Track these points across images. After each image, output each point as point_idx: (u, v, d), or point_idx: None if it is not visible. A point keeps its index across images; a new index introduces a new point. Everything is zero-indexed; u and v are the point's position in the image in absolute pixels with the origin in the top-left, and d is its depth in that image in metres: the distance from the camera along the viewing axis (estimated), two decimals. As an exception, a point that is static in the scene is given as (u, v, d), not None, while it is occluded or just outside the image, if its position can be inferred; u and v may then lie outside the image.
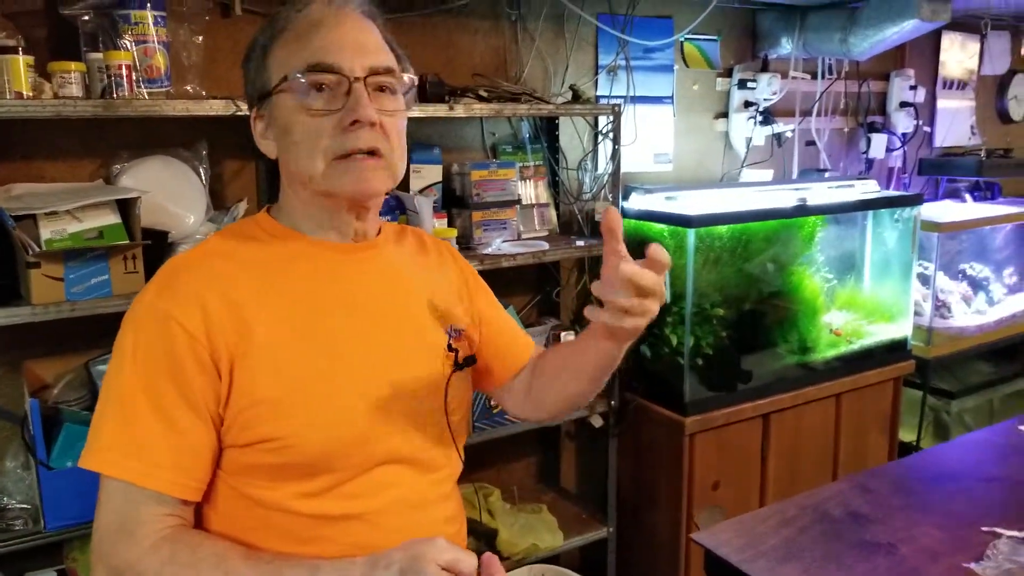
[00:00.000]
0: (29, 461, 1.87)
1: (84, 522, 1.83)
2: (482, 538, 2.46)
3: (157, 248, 1.93)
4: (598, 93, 2.87)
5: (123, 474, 1.04)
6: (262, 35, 1.17)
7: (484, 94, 2.34)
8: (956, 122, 4.02)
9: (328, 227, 1.19)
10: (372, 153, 1.12)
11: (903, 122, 3.66)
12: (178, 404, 1.05)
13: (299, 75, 1.09)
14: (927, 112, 3.90)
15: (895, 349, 3.16)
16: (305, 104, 1.10)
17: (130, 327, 1.10)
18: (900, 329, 3.19)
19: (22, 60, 1.69)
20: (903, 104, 3.64)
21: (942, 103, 3.95)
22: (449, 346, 1.26)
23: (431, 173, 2.40)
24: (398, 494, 1.16)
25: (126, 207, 1.83)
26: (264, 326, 1.10)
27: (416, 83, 1.22)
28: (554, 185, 2.76)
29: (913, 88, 3.64)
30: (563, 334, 2.62)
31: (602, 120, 2.75)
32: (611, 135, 2.59)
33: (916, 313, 3.30)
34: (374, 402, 1.14)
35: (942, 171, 3.86)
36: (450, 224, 2.39)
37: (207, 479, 1.10)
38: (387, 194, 1.47)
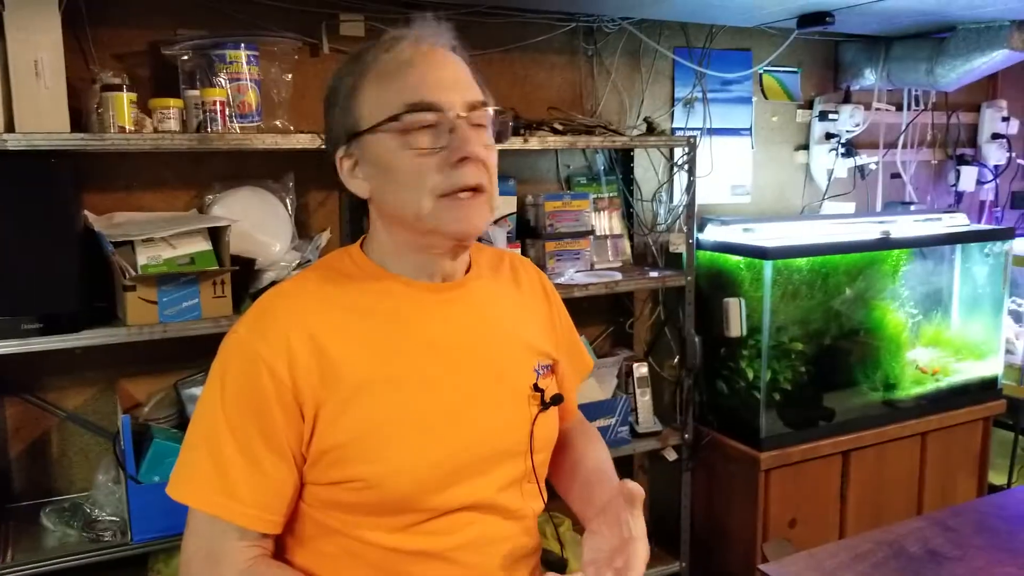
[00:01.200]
0: (120, 475, 1.97)
1: (169, 535, 1.91)
2: (552, 567, 2.45)
3: (244, 274, 2.02)
4: (674, 125, 2.88)
5: (210, 508, 1.08)
6: (347, 75, 1.15)
7: (558, 127, 2.38)
8: (1052, 154, 3.86)
9: (419, 267, 1.17)
10: (476, 189, 1.11)
11: (995, 154, 3.54)
12: (261, 444, 1.08)
13: (401, 114, 1.08)
14: (1021, 144, 3.76)
15: (985, 388, 3.04)
16: (409, 143, 1.09)
17: (222, 361, 1.12)
18: (990, 367, 3.07)
19: (126, 97, 1.82)
20: (995, 136, 3.53)
21: (1037, 134, 3.81)
22: (535, 386, 1.23)
23: (506, 204, 2.45)
24: (478, 531, 1.15)
25: (217, 235, 1.93)
26: (351, 367, 1.09)
27: (509, 117, 1.23)
28: (628, 216, 2.78)
29: (1006, 119, 3.52)
30: (635, 365, 2.61)
31: (677, 152, 2.76)
32: (686, 167, 2.59)
33: (1008, 351, 3.17)
34: (459, 446, 1.13)
35: (1037, 205, 3.71)
36: (524, 254, 2.43)
37: (288, 513, 1.12)
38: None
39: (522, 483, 1.22)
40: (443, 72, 1.12)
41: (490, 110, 1.15)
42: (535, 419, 1.21)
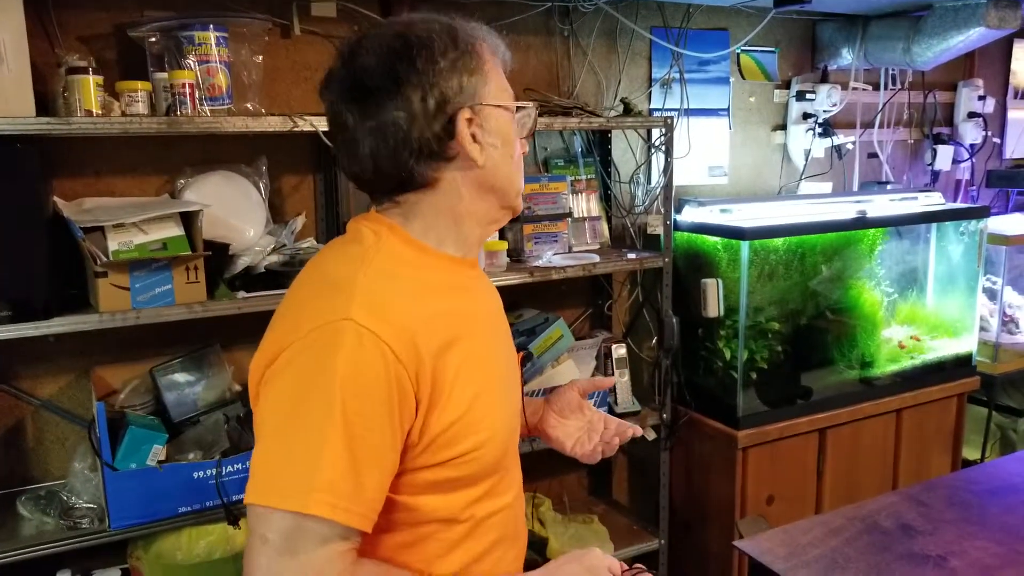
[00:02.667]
0: (96, 463, 1.96)
1: (147, 522, 1.91)
2: (532, 547, 2.47)
3: (218, 259, 2.00)
4: (651, 106, 2.88)
5: (329, 512, 0.98)
6: (466, 40, 1.14)
7: (535, 108, 2.36)
8: (1028, 133, 3.89)
9: (468, 243, 1.21)
10: None
11: (971, 133, 3.56)
12: (385, 436, 1.03)
13: (526, 110, 1.22)
14: (997, 123, 3.79)
15: (959, 365, 3.08)
16: (522, 132, 1.22)
17: (331, 349, 1.01)
18: (965, 344, 3.10)
19: (92, 80, 1.78)
20: (971, 115, 3.55)
21: (1013, 114, 3.84)
22: (521, 346, 1.40)
23: (483, 186, 2.43)
24: (517, 486, 1.29)
25: (189, 220, 1.91)
26: (453, 346, 1.10)
27: None
28: (606, 198, 2.77)
29: (982, 98, 3.54)
30: (614, 346, 2.62)
31: (655, 133, 2.75)
32: (664, 148, 2.59)
33: (982, 328, 3.21)
34: (513, 410, 1.26)
35: (1012, 183, 3.74)
36: (501, 237, 2.42)
37: None
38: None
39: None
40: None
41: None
42: (522, 386, 1.39)
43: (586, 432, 1.44)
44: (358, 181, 1.18)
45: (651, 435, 2.71)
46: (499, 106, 1.16)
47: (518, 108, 1.20)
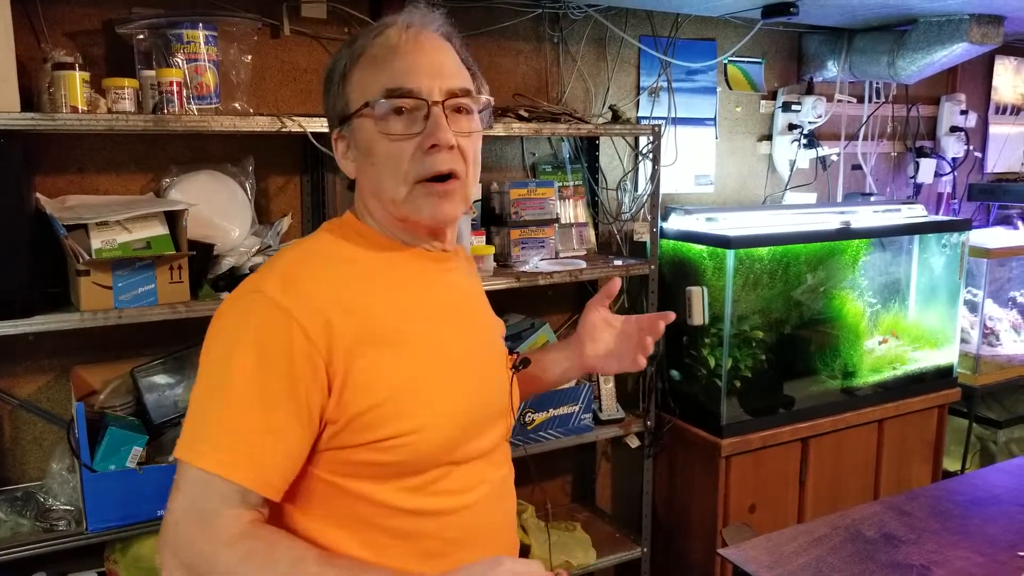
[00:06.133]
0: (74, 464, 1.93)
1: (125, 525, 1.88)
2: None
3: (203, 259, 1.98)
4: (639, 114, 2.89)
5: (222, 470, 1.02)
6: (340, 59, 1.17)
7: (524, 114, 2.37)
8: (1008, 148, 3.94)
9: (411, 236, 1.22)
10: (450, 175, 1.14)
11: (953, 147, 3.60)
12: (288, 408, 1.05)
13: (379, 100, 1.11)
14: (979, 137, 3.83)
15: (940, 376, 3.10)
16: (386, 128, 1.12)
17: (242, 320, 1.08)
18: (946, 356, 3.13)
19: (78, 76, 1.77)
20: (953, 128, 3.59)
21: (994, 128, 3.89)
22: (511, 350, 1.35)
23: (470, 191, 2.43)
24: (485, 489, 1.21)
25: (173, 219, 1.89)
26: (381, 328, 1.11)
27: (492, 102, 1.25)
28: (593, 205, 2.77)
29: (964, 113, 3.58)
30: (599, 353, 2.62)
31: (642, 141, 2.76)
32: (651, 156, 2.60)
33: (963, 340, 3.23)
34: (471, 402, 1.20)
35: (993, 197, 3.78)
36: (488, 242, 2.42)
37: (291, 481, 1.10)
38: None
39: (502, 443, 1.30)
40: (425, 57, 1.14)
41: (483, 97, 1.19)
42: (512, 380, 1.32)
43: (624, 342, 1.43)
44: None
45: (634, 442, 2.71)
46: (354, 115, 1.15)
47: (364, 106, 1.13)
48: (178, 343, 2.15)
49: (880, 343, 3.06)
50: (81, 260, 1.77)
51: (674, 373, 2.82)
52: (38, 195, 1.92)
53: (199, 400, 1.08)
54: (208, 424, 1.05)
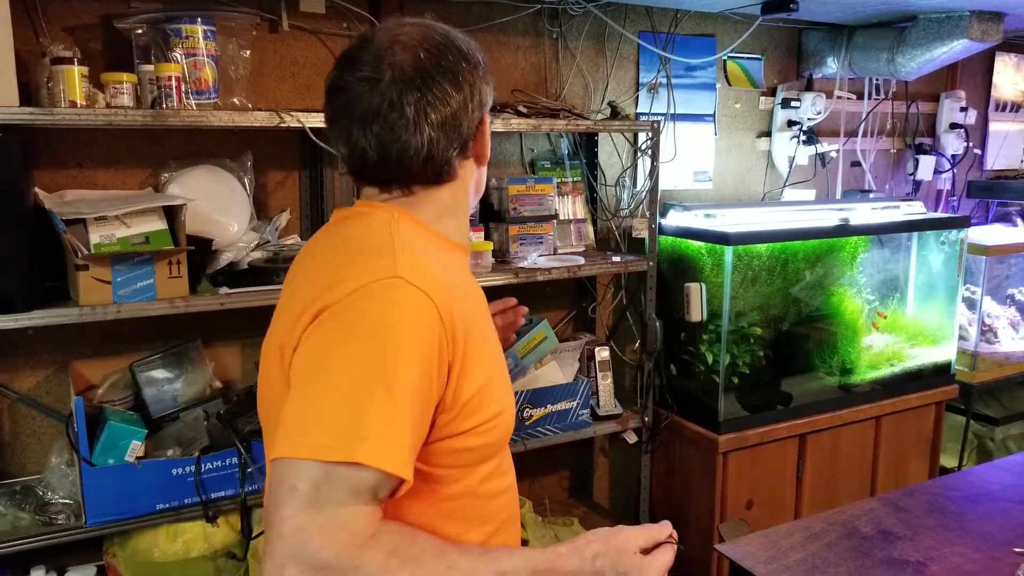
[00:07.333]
0: (73, 458, 1.93)
1: (123, 518, 1.89)
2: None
3: (201, 254, 1.99)
4: (638, 110, 2.89)
5: (387, 465, 0.96)
6: (480, 56, 1.23)
7: (523, 110, 2.37)
8: (1008, 145, 3.94)
9: (464, 233, 1.30)
10: None
11: (953, 144, 3.60)
12: (429, 394, 1.03)
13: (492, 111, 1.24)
14: (978, 134, 3.83)
15: (938, 373, 3.11)
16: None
17: (381, 308, 1.02)
18: (944, 353, 3.13)
19: (77, 71, 1.77)
20: (953, 126, 3.59)
21: (994, 125, 3.89)
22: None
23: (469, 187, 2.43)
24: (514, 470, 1.29)
25: (172, 214, 1.90)
26: (471, 319, 1.14)
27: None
28: (592, 201, 2.78)
29: (964, 110, 3.58)
30: (597, 348, 2.63)
31: (641, 137, 2.76)
32: (650, 152, 2.60)
33: (961, 337, 3.24)
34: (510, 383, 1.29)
35: (992, 194, 3.78)
36: (487, 238, 2.42)
37: None
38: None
39: None
40: None
41: None
42: None
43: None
44: (378, 169, 1.15)
45: (632, 438, 2.71)
46: (479, 125, 1.22)
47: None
48: (177, 338, 2.16)
49: (873, 326, 3.05)
50: (80, 255, 1.77)
51: (672, 369, 2.82)
52: (37, 190, 1.92)
53: (334, 389, 0.99)
54: (375, 419, 0.97)
